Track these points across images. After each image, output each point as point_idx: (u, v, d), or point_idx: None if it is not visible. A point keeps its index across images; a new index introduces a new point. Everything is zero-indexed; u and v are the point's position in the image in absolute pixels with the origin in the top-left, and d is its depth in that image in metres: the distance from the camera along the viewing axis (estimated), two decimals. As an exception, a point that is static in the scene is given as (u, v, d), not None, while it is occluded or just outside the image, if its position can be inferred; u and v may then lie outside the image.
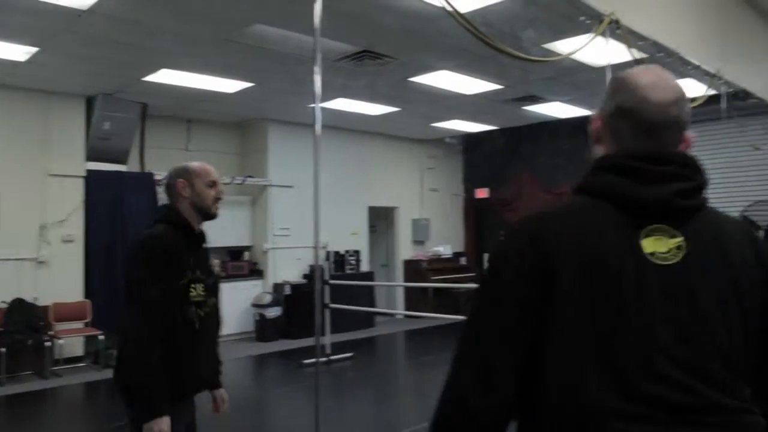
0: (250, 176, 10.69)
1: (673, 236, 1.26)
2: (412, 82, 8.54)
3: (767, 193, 9.85)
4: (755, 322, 1.26)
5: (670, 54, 4.81)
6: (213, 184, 2.74)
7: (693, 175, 1.30)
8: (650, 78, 1.35)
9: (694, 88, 5.76)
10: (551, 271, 1.24)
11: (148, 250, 2.53)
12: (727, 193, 10.30)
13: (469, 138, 13.72)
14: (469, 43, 3.35)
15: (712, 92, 5.97)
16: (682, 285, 1.23)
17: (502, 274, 1.30)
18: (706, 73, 5.51)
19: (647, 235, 1.26)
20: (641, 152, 1.31)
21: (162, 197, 8.59)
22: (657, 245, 1.25)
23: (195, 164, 2.77)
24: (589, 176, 1.37)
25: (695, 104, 5.31)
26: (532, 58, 3.70)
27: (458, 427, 1.30)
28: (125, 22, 6.02)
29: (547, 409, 1.24)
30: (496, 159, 13.57)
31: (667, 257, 1.24)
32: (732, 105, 6.19)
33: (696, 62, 5.22)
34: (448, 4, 2.81)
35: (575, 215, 1.33)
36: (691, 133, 1.38)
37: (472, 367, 1.29)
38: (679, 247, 1.25)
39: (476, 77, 8.46)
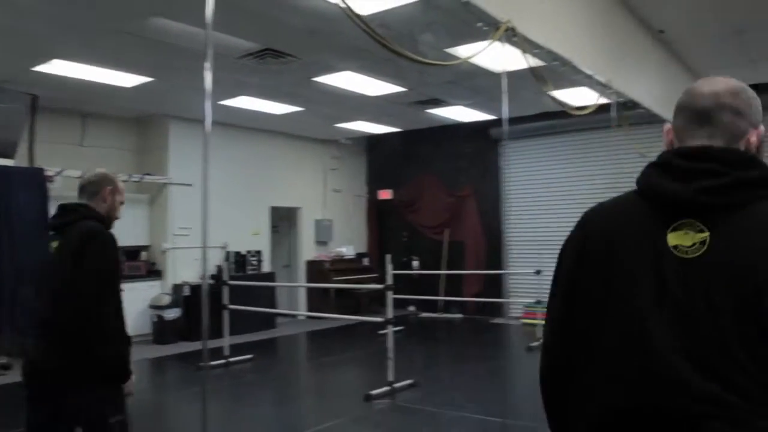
0: (148, 174, 10.36)
1: (700, 231, 1.29)
2: (316, 81, 8.51)
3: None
4: None
5: (564, 63, 4.99)
6: (122, 203, 3.06)
7: (731, 171, 1.30)
8: (705, 78, 1.45)
9: (586, 97, 6.01)
10: (585, 253, 1.43)
11: (109, 243, 2.80)
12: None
13: (372, 139, 13.81)
14: (371, 44, 3.37)
15: (603, 101, 6.24)
16: (699, 279, 1.26)
17: (564, 254, 1.51)
18: (598, 83, 5.75)
19: (674, 229, 1.32)
20: (681, 149, 1.40)
21: (55, 194, 8.28)
22: (682, 239, 1.30)
23: (119, 180, 3.06)
24: (640, 172, 1.45)
25: (586, 112, 5.54)
26: (428, 61, 3.75)
27: (540, 384, 1.54)
28: (7, 5, 5.68)
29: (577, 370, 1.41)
30: (400, 161, 13.73)
31: (689, 251, 1.29)
32: (621, 114, 6.49)
33: (588, 72, 5.44)
34: (343, 1, 2.80)
35: (617, 207, 1.47)
36: (761, 128, 1.41)
37: (545, 336, 1.53)
38: (703, 242, 1.28)
39: (379, 79, 8.52)
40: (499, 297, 12.17)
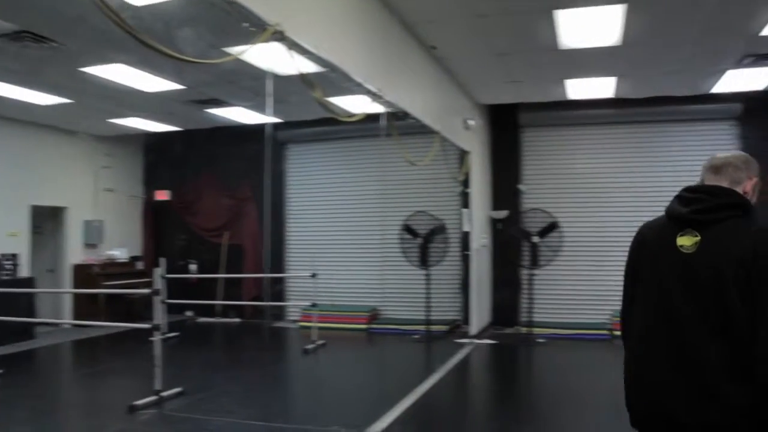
0: None
1: (695, 236, 2.27)
2: (84, 72, 7.94)
3: (425, 204, 10.97)
4: (738, 297, 2.13)
5: (334, 69, 5.07)
6: None
7: (712, 199, 2.29)
8: (721, 152, 2.46)
9: (357, 105, 6.15)
10: (636, 254, 2.49)
11: None
12: (392, 203, 11.23)
13: (150, 137, 13.16)
14: (143, 38, 3.18)
15: (377, 111, 6.44)
16: (693, 264, 2.24)
17: (629, 251, 2.53)
18: (369, 92, 5.91)
19: (681, 235, 2.29)
20: (687, 187, 2.40)
21: None
22: (685, 241, 2.28)
23: None
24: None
25: (354, 119, 5.69)
26: (186, 58, 3.61)
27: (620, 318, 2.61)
28: None
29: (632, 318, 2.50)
30: (179, 161, 13.25)
31: (689, 248, 2.27)
32: (392, 124, 6.73)
33: (359, 80, 5.57)
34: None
35: (654, 223, 2.48)
36: (755, 178, 2.39)
37: (624, 291, 2.57)
38: (696, 243, 2.26)
39: (155, 75, 8.15)
40: (279, 300, 12.18)
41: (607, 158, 11.46)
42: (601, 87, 9.93)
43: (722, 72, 9.09)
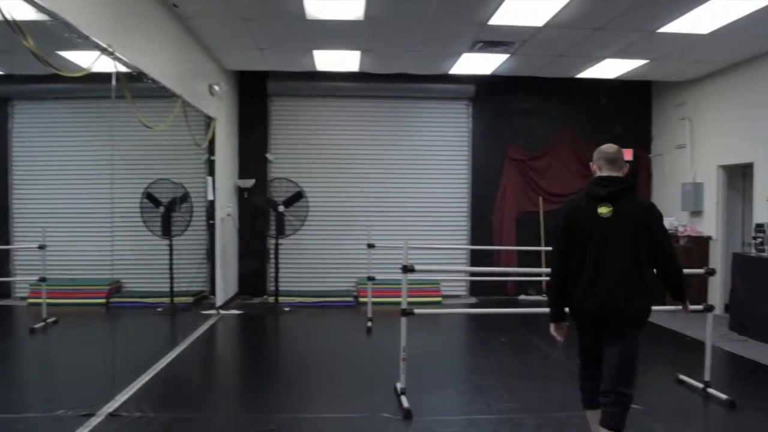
0: None
1: (609, 207, 3.81)
2: None
3: (168, 171, 10.50)
4: (643, 240, 3.79)
5: (55, 17, 4.57)
6: None
7: (618, 185, 3.84)
8: (607, 145, 4.04)
9: (88, 62, 5.57)
10: (569, 220, 3.93)
11: None
12: (132, 170, 10.56)
13: None
14: None
15: (109, 69, 5.92)
16: (611, 225, 3.80)
17: (559, 221, 4.02)
18: (97, 47, 5.43)
19: (600, 206, 3.82)
20: (602, 176, 3.92)
21: None
22: (603, 210, 3.82)
23: None
24: (587, 184, 3.97)
25: (79, 74, 5.17)
26: None
27: (552, 285, 4.08)
28: None
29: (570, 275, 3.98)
30: None
31: (606, 214, 3.82)
32: (127, 85, 6.25)
33: (85, 33, 5.09)
34: None
35: (578, 198, 3.98)
36: (626, 168, 3.98)
37: (553, 263, 4.09)
38: (611, 210, 3.81)
39: None
40: (6, 276, 11.01)
41: (352, 130, 11.86)
42: (346, 60, 10.18)
43: (458, 55, 9.76)
